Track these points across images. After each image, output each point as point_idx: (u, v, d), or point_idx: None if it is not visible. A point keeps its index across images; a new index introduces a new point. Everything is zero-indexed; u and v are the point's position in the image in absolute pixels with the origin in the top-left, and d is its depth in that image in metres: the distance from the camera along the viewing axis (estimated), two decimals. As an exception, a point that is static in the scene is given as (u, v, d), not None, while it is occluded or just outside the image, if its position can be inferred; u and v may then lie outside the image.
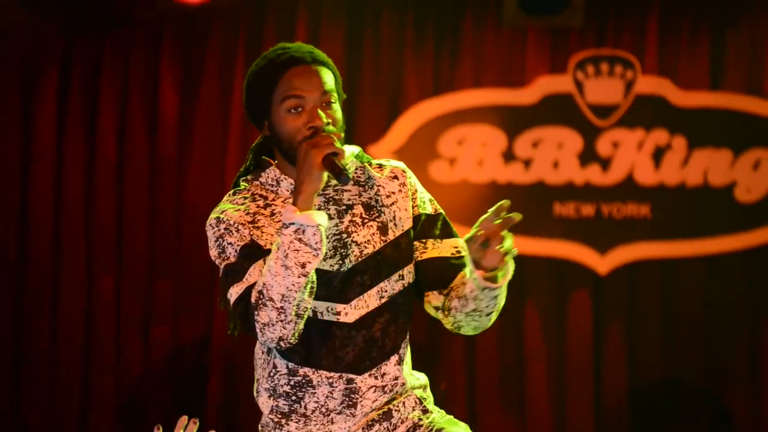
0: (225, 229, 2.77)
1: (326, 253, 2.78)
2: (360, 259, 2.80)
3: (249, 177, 2.89)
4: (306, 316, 2.69)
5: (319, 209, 2.80)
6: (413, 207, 2.89)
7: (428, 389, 2.93)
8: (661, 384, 6.46)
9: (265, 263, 2.68)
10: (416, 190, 2.91)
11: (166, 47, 6.53)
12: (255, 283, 2.69)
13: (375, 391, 2.80)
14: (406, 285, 2.84)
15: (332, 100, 2.79)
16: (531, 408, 6.46)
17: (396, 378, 2.83)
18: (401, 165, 2.94)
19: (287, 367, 2.81)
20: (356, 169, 2.90)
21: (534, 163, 6.48)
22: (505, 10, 6.37)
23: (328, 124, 2.74)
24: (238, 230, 2.76)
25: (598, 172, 6.49)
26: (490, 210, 2.61)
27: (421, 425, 2.84)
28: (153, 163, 6.54)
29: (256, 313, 2.66)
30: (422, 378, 2.93)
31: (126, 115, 6.54)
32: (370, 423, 2.81)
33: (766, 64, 6.48)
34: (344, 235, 2.80)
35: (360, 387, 2.79)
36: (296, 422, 2.82)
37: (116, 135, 6.54)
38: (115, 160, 6.53)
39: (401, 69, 6.51)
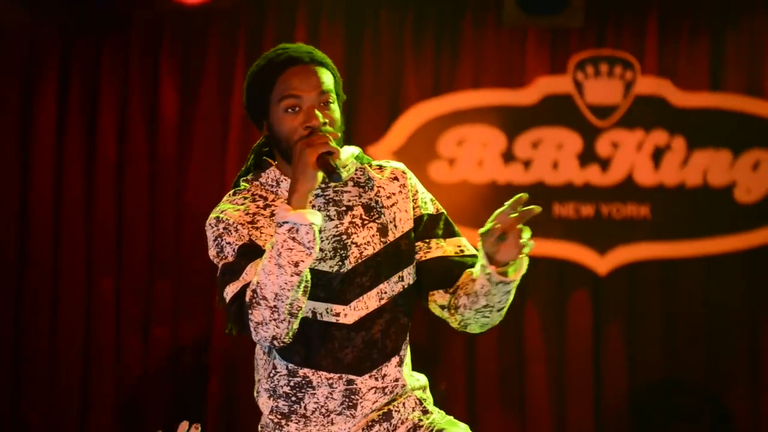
0: (224, 228, 2.77)
1: (326, 254, 2.78)
2: (360, 261, 2.80)
3: (249, 177, 2.89)
4: (300, 316, 2.69)
5: (319, 210, 2.80)
6: (414, 208, 2.89)
7: (428, 390, 2.93)
8: (661, 384, 6.46)
9: (261, 262, 2.69)
10: (417, 191, 2.91)
11: (166, 47, 6.53)
12: (250, 282, 2.69)
13: (375, 393, 2.81)
14: (405, 286, 2.84)
15: (330, 101, 2.78)
16: (531, 408, 6.46)
17: (396, 379, 2.83)
18: (401, 166, 2.94)
19: (287, 368, 2.81)
20: (356, 170, 2.89)
21: (534, 164, 6.48)
22: (504, 10, 6.37)
23: (324, 124, 2.73)
24: (237, 230, 2.76)
25: (598, 173, 6.49)
26: (507, 203, 2.61)
27: (422, 426, 2.84)
28: (153, 163, 6.54)
29: (249, 311, 2.66)
30: (422, 379, 2.93)
31: (126, 115, 6.54)
32: (370, 424, 2.81)
33: (765, 64, 6.49)
34: (344, 237, 2.80)
35: (360, 388, 2.79)
36: (296, 423, 2.82)
37: (116, 135, 6.55)
38: (115, 160, 6.54)
39: (401, 69, 6.52)
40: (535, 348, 6.47)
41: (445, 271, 2.84)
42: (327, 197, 2.83)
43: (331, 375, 2.78)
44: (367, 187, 2.87)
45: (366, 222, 2.83)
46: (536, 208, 2.59)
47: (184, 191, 6.51)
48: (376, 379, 2.80)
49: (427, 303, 2.88)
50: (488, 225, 2.62)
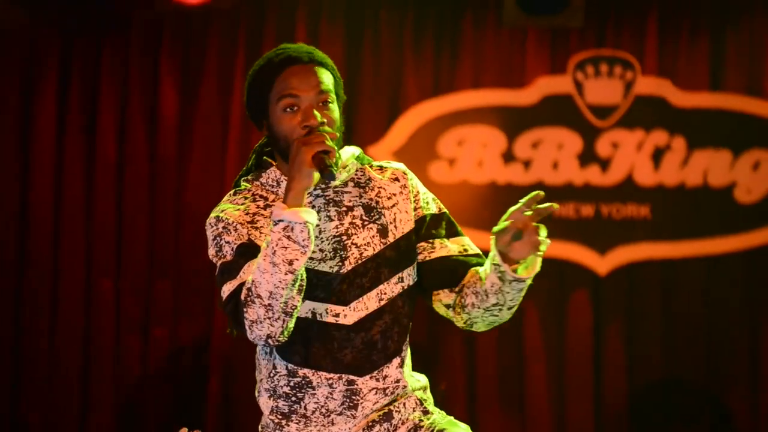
0: (223, 227, 2.77)
1: (326, 254, 2.78)
2: (359, 262, 2.80)
3: (250, 177, 2.90)
4: (296, 314, 2.69)
5: (319, 211, 2.80)
6: (416, 209, 2.89)
7: (428, 390, 2.93)
8: (661, 384, 6.46)
9: (260, 262, 2.69)
10: (418, 192, 2.91)
11: (166, 47, 6.53)
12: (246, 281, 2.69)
13: (376, 393, 2.80)
14: (405, 287, 2.84)
15: (329, 100, 2.78)
16: (531, 408, 6.46)
17: (397, 380, 2.83)
18: (402, 167, 2.94)
19: (287, 368, 2.81)
20: (357, 170, 2.89)
21: (534, 164, 6.48)
22: (504, 10, 6.37)
23: (323, 123, 2.73)
24: (236, 229, 2.76)
25: (598, 173, 6.49)
26: (522, 201, 2.61)
27: (422, 426, 2.84)
28: (153, 163, 6.54)
29: (244, 310, 2.66)
30: (422, 379, 2.93)
31: (126, 115, 6.54)
32: (370, 424, 2.81)
33: (765, 64, 6.49)
34: (344, 237, 2.80)
35: (361, 389, 2.79)
36: (296, 423, 2.82)
37: (116, 135, 6.54)
38: (115, 160, 6.54)
39: (401, 69, 6.51)
40: (535, 348, 6.47)
41: (450, 270, 2.84)
42: (327, 198, 2.83)
43: (331, 375, 2.78)
44: (367, 188, 2.87)
45: (366, 223, 2.83)
46: (553, 206, 2.59)
47: (184, 191, 6.51)
48: (377, 380, 2.80)
49: (432, 302, 2.88)
50: (502, 223, 2.62)
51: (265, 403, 2.87)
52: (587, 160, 6.49)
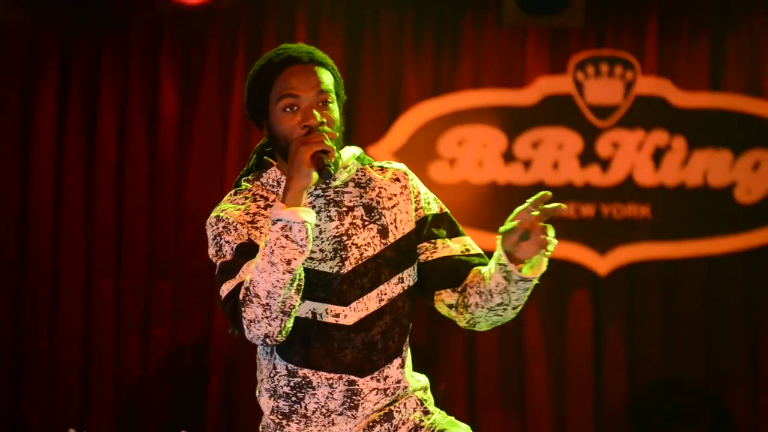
0: (223, 227, 2.77)
1: (326, 255, 2.78)
2: (360, 262, 2.79)
3: (250, 177, 2.90)
4: (294, 314, 2.68)
5: (319, 211, 2.80)
6: (417, 209, 2.89)
7: (429, 391, 2.93)
8: (661, 384, 6.46)
9: (259, 261, 2.68)
10: (419, 192, 2.91)
11: (166, 47, 6.53)
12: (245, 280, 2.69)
13: (377, 394, 2.80)
14: (405, 288, 2.84)
15: (329, 100, 2.78)
16: (531, 408, 6.46)
17: (398, 381, 2.83)
18: (403, 167, 2.94)
19: (287, 368, 2.81)
20: (357, 171, 2.89)
21: (534, 164, 6.48)
22: (504, 10, 6.37)
23: (322, 123, 2.73)
24: (236, 229, 2.76)
25: (598, 173, 6.49)
26: (529, 200, 2.61)
27: (423, 426, 2.84)
28: (153, 163, 6.54)
29: (242, 309, 2.66)
30: (423, 379, 2.93)
31: (126, 115, 6.54)
32: (371, 424, 2.80)
33: (766, 64, 6.49)
34: (344, 238, 2.80)
35: (362, 389, 2.79)
36: (297, 423, 2.82)
37: (116, 135, 6.55)
38: (115, 160, 6.54)
39: (401, 69, 6.51)
40: (535, 348, 6.47)
41: (452, 270, 2.84)
42: (328, 198, 2.83)
43: (331, 375, 2.78)
44: (368, 188, 2.87)
45: (366, 223, 2.83)
46: (561, 206, 2.59)
47: (184, 191, 6.51)
48: (378, 380, 2.80)
49: (434, 303, 2.88)
50: (509, 223, 2.62)
51: (265, 403, 2.87)
52: (587, 160, 6.49)
